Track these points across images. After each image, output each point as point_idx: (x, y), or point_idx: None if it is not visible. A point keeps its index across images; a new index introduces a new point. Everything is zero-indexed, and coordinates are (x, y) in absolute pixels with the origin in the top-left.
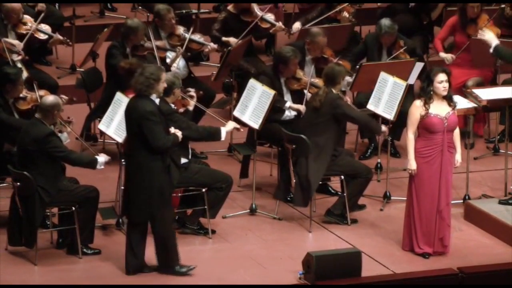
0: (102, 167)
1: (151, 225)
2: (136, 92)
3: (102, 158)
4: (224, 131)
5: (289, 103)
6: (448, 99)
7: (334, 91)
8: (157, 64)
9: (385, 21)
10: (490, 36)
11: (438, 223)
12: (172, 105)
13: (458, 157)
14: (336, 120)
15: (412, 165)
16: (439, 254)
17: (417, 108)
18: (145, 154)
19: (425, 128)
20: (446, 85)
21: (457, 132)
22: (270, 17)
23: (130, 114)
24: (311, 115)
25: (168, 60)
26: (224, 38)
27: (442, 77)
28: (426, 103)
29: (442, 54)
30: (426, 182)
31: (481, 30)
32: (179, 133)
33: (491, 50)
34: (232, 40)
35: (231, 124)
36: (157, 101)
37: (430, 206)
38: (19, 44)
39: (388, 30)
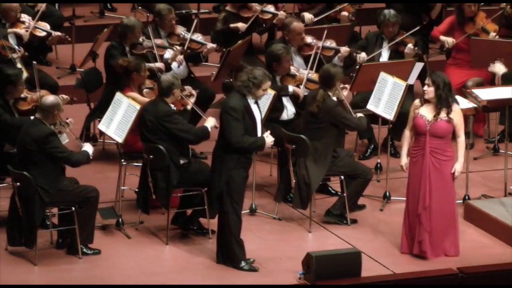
0: (92, 155)
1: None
2: (236, 88)
3: (89, 149)
4: (208, 127)
5: (291, 88)
6: (441, 105)
7: (330, 93)
8: (263, 69)
9: (389, 10)
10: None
11: (418, 226)
12: (172, 106)
13: (457, 166)
14: (334, 125)
15: (402, 160)
16: (421, 258)
17: (413, 107)
18: (222, 145)
19: (414, 127)
20: (426, 88)
21: (461, 140)
22: (270, 8)
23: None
24: (309, 119)
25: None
26: (232, 25)
27: (426, 80)
28: (421, 103)
29: (442, 37)
30: (411, 182)
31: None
32: (269, 139)
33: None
34: (241, 25)
35: (211, 120)
36: (251, 102)
37: (412, 207)
38: (25, 34)
39: (391, 17)
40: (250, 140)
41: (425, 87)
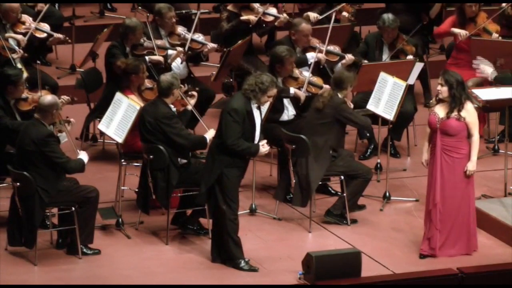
0: (86, 164)
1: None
2: (241, 90)
3: (85, 157)
4: (207, 139)
5: (293, 90)
6: (455, 103)
7: (339, 95)
8: (271, 76)
9: (388, 15)
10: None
11: (429, 223)
12: (172, 106)
13: (469, 165)
14: (338, 122)
15: (423, 156)
16: (431, 256)
17: (430, 104)
18: (218, 144)
19: (428, 124)
20: (439, 88)
21: (474, 140)
22: (272, 10)
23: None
24: (313, 115)
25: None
26: (243, 17)
27: (439, 79)
28: (436, 101)
29: (455, 30)
30: (428, 180)
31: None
32: (263, 149)
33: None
34: (252, 17)
35: (211, 132)
36: (254, 106)
37: (427, 203)
38: (22, 39)
39: (391, 24)
40: (244, 145)
41: (438, 87)
